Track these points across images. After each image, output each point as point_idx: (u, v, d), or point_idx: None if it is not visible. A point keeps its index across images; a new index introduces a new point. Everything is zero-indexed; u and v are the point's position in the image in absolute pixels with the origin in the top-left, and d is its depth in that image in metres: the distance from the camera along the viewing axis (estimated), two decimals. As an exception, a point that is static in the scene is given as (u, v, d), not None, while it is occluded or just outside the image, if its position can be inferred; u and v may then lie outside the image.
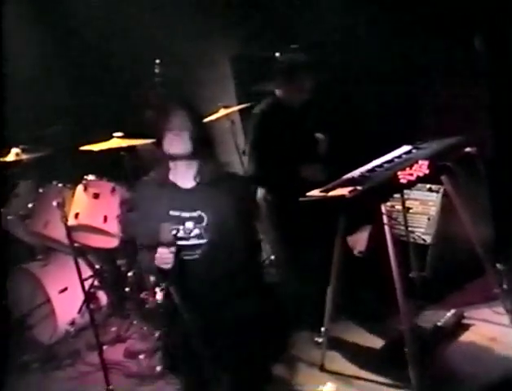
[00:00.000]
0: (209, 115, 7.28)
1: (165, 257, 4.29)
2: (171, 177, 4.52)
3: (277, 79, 6.21)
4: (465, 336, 5.82)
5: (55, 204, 5.61)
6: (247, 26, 7.81)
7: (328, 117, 6.29)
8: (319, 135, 6.36)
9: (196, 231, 4.43)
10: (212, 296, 4.49)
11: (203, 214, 4.42)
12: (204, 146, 4.45)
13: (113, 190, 6.85)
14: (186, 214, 4.45)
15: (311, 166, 6.11)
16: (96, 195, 6.79)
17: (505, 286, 5.36)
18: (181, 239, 4.42)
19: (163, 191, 4.50)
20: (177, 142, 4.43)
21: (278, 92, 6.23)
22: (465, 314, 5.99)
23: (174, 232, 4.34)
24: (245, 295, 4.48)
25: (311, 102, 6.16)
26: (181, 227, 4.42)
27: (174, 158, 4.45)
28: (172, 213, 4.45)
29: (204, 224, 4.42)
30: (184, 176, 4.47)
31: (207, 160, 4.46)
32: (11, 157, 6.89)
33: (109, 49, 8.10)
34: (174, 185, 4.48)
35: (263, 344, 4.64)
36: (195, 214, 4.44)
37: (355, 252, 6.67)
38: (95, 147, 6.72)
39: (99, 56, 8.13)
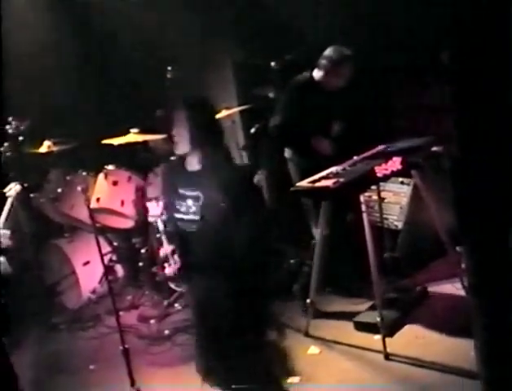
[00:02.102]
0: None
1: None
2: (186, 161, 4.51)
3: (323, 64, 6.06)
4: (427, 306, 5.87)
5: (79, 189, 5.62)
6: (249, 38, 7.78)
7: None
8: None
9: (194, 209, 4.42)
10: (206, 266, 4.49)
11: (200, 194, 4.41)
12: (204, 140, 4.43)
13: (130, 178, 6.89)
14: (188, 193, 4.45)
15: (323, 141, 6.07)
16: (115, 183, 6.83)
17: (463, 265, 5.38)
18: (183, 213, 4.44)
19: (177, 173, 4.52)
20: (179, 144, 4.44)
21: (317, 74, 6.10)
22: (429, 289, 6.00)
23: (177, 207, 4.40)
24: (236, 270, 4.48)
25: (339, 90, 6.12)
26: (184, 203, 4.44)
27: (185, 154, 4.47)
28: (180, 190, 4.47)
29: (200, 203, 4.41)
30: (191, 161, 4.47)
31: (208, 150, 4.45)
32: (43, 149, 6.93)
33: (127, 55, 8.08)
34: (185, 168, 4.49)
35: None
36: (194, 194, 4.44)
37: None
38: (115, 141, 6.77)
39: (119, 63, 8.09)
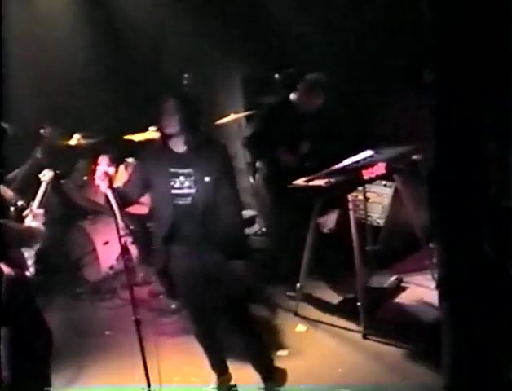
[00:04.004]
0: (221, 118, 7.37)
1: None
2: (170, 144, 4.53)
3: (298, 87, 6.13)
4: (402, 295, 5.92)
5: None
6: (256, 53, 7.80)
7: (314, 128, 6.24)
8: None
9: (187, 183, 4.42)
10: (199, 233, 4.53)
11: (191, 171, 4.44)
12: (189, 123, 4.46)
13: (147, 170, 6.90)
14: (180, 171, 4.47)
15: (289, 155, 6.11)
16: (134, 174, 6.84)
17: (434, 260, 5.42)
18: (177, 188, 4.48)
19: (164, 154, 4.54)
20: (169, 126, 4.48)
21: (293, 95, 6.16)
22: (404, 279, 6.07)
23: (171, 183, 4.45)
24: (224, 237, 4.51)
25: (312, 113, 6.16)
26: (177, 180, 4.46)
27: (169, 135, 4.49)
28: (171, 169, 4.49)
29: (192, 178, 4.43)
30: (177, 144, 4.49)
31: (192, 132, 4.48)
32: (73, 141, 6.96)
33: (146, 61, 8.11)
34: (172, 150, 4.51)
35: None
36: (186, 171, 4.45)
37: (325, 229, 6.69)
38: (135, 137, 6.79)
39: (139, 70, 8.11)
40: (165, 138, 4.51)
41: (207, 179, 4.39)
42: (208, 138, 4.61)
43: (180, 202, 4.49)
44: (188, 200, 4.47)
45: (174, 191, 4.49)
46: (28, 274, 4.50)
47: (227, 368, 4.88)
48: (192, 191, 4.44)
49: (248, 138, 6.26)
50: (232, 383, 4.87)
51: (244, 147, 6.62)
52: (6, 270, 4.39)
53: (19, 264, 4.46)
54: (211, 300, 4.64)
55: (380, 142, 6.01)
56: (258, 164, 6.45)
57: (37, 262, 4.55)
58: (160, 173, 4.52)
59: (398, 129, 7.00)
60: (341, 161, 5.61)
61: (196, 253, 4.54)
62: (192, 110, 4.50)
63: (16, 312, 4.51)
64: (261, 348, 4.83)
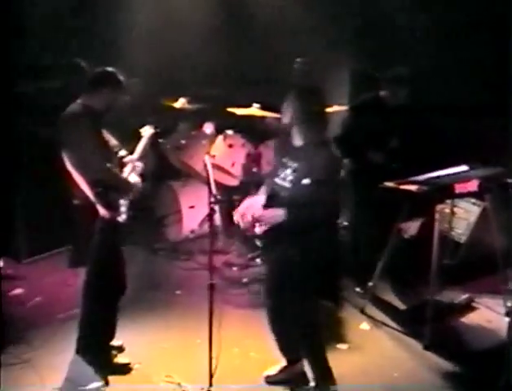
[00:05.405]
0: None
1: None
2: (291, 134, 4.54)
3: (383, 83, 6.14)
4: (471, 315, 5.82)
5: (204, 142, 5.63)
6: (367, 51, 7.76)
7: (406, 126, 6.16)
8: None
9: (290, 177, 4.42)
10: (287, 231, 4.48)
11: (297, 166, 4.42)
12: (305, 119, 4.44)
13: (243, 144, 6.97)
14: (289, 163, 4.46)
15: (377, 153, 6.07)
16: (231, 146, 6.92)
17: (509, 286, 5.34)
18: (280, 178, 4.48)
19: (286, 145, 4.57)
20: (284, 116, 4.48)
21: (382, 93, 6.15)
22: (475, 299, 5.97)
23: (279, 172, 4.48)
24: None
25: (400, 107, 6.11)
26: (284, 171, 4.46)
27: (288, 127, 4.50)
28: (283, 159, 4.50)
29: (296, 174, 4.41)
30: (294, 136, 4.49)
31: (310, 131, 4.46)
32: (178, 104, 7.06)
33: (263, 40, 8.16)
34: (291, 143, 4.52)
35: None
36: (294, 165, 4.43)
37: (406, 235, 6.62)
38: (238, 111, 6.85)
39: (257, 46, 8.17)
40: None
41: (306, 181, 4.33)
42: (324, 139, 4.54)
43: (279, 192, 4.50)
44: (284, 194, 4.46)
45: (277, 180, 4.51)
46: (119, 219, 4.66)
47: (299, 357, 4.81)
48: (289, 186, 4.43)
49: (338, 136, 6.22)
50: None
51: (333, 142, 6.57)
52: (102, 211, 4.57)
53: (114, 209, 4.63)
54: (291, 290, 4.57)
55: (473, 156, 5.89)
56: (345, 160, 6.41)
57: (128, 211, 4.70)
58: (278, 159, 4.56)
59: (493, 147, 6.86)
60: (429, 164, 5.55)
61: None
62: (309, 104, 4.47)
63: (103, 252, 4.69)
64: (321, 345, 4.75)
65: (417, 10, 7.46)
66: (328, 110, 7.25)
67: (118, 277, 4.87)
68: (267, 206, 4.53)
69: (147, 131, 5.12)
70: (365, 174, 6.04)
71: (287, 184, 4.43)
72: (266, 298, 4.73)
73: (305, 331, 4.61)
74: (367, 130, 6.01)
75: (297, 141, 4.50)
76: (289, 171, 4.44)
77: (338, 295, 4.82)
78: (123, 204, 4.67)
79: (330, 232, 4.61)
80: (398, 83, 6.05)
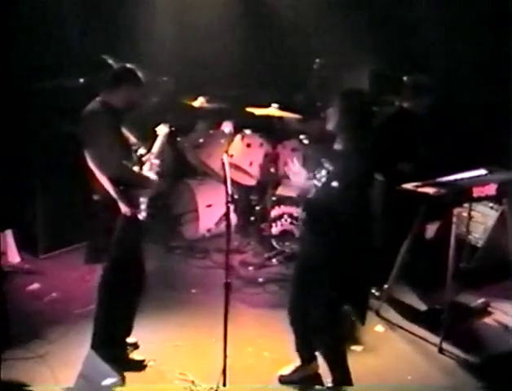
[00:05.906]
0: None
1: None
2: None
3: (405, 93, 6.09)
4: (487, 319, 5.78)
5: (223, 141, 5.62)
6: (390, 54, 7.72)
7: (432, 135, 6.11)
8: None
9: (323, 179, 4.38)
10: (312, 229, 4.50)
11: (331, 169, 4.38)
12: (347, 127, 4.40)
13: (261, 144, 6.98)
14: (326, 164, 4.42)
15: (406, 163, 6.04)
16: (249, 145, 6.93)
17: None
18: (316, 179, 4.44)
19: (325, 150, 4.55)
20: (330, 122, 4.44)
21: (404, 103, 6.07)
22: (491, 304, 5.92)
23: (315, 172, 4.46)
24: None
25: (425, 116, 6.06)
26: (320, 171, 4.41)
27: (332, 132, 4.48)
28: (322, 159, 4.46)
29: (327, 175, 4.37)
30: (337, 140, 4.45)
31: (349, 137, 4.42)
32: (197, 103, 7.08)
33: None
34: (332, 146, 4.49)
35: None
36: (329, 167, 4.40)
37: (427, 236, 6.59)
38: (257, 111, 6.83)
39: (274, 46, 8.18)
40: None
41: (335, 183, 4.31)
42: (363, 147, 4.50)
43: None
44: (312, 194, 4.44)
45: (313, 180, 4.49)
46: (140, 217, 4.67)
47: (314, 357, 4.80)
48: (319, 184, 4.40)
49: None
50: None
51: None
52: (124, 209, 4.58)
53: (135, 206, 4.64)
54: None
55: (493, 160, 5.84)
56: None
57: (148, 208, 4.71)
58: (316, 158, 4.54)
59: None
60: (447, 167, 5.52)
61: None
62: (355, 111, 4.43)
63: (124, 249, 4.69)
64: (343, 344, 4.72)
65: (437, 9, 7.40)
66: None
67: (137, 275, 4.86)
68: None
69: (162, 130, 5.11)
70: (393, 181, 5.95)
71: (318, 183, 4.42)
72: (293, 285, 4.72)
73: (328, 329, 4.57)
74: (395, 144, 5.95)
75: (338, 145, 4.48)
76: (323, 172, 4.42)
77: (365, 313, 4.74)
78: (143, 202, 4.67)
79: (362, 239, 4.56)
80: (420, 92, 6.00)
